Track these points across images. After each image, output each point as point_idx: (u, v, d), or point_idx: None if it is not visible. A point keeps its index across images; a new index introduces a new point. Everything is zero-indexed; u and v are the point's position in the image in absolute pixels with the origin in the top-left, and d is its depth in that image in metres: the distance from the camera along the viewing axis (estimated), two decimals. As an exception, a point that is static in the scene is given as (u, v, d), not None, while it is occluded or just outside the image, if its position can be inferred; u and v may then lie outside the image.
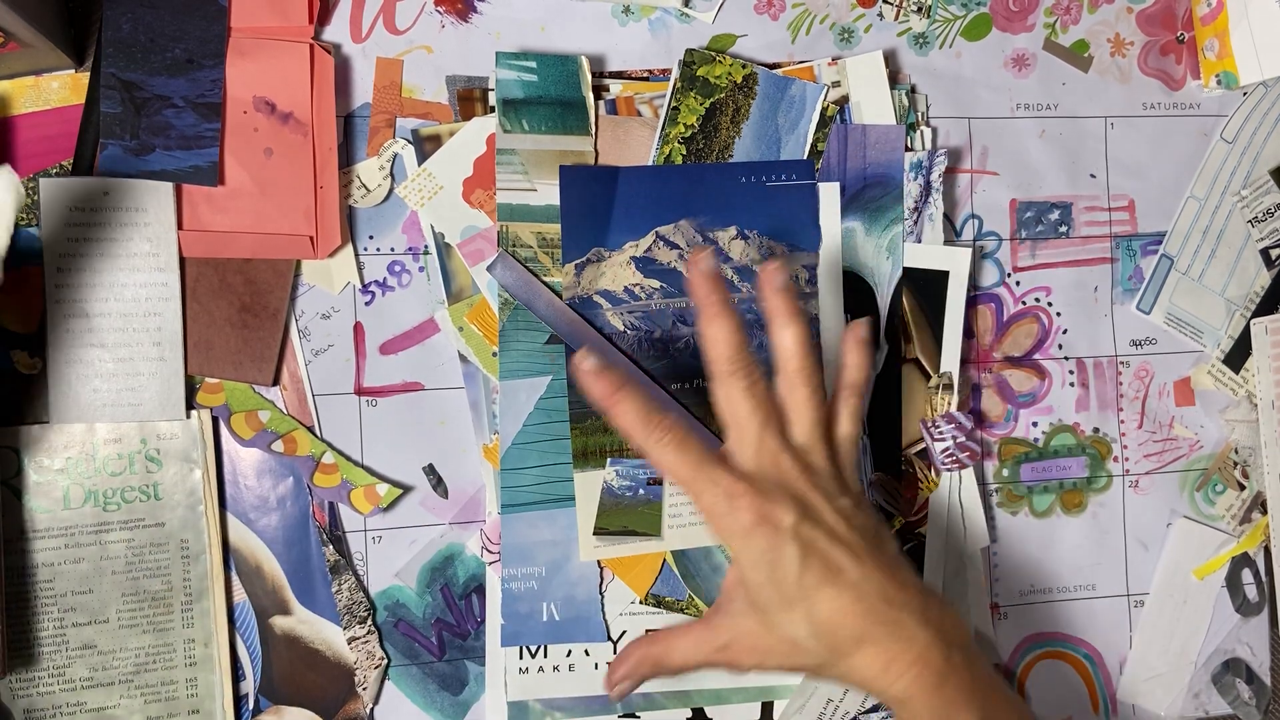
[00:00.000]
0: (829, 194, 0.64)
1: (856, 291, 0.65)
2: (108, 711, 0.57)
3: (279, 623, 0.60)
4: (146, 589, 0.58)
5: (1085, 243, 0.70)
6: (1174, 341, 0.72)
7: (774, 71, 0.64)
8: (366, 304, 0.61)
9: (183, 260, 0.58)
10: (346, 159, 0.61)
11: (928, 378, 0.66)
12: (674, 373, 0.63)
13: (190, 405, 0.58)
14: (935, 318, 0.66)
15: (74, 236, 0.56)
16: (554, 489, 0.62)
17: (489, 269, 0.61)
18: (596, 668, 0.63)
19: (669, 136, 0.62)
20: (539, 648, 0.63)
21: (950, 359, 0.66)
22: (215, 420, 0.59)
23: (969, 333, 0.68)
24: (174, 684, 0.58)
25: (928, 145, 0.67)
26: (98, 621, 0.57)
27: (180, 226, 0.57)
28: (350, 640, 0.61)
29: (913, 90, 0.67)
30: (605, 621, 0.63)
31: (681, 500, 0.63)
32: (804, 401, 0.51)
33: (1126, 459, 0.71)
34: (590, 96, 0.62)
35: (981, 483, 0.69)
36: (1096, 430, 0.71)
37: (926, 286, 0.66)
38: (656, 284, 0.63)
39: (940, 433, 0.66)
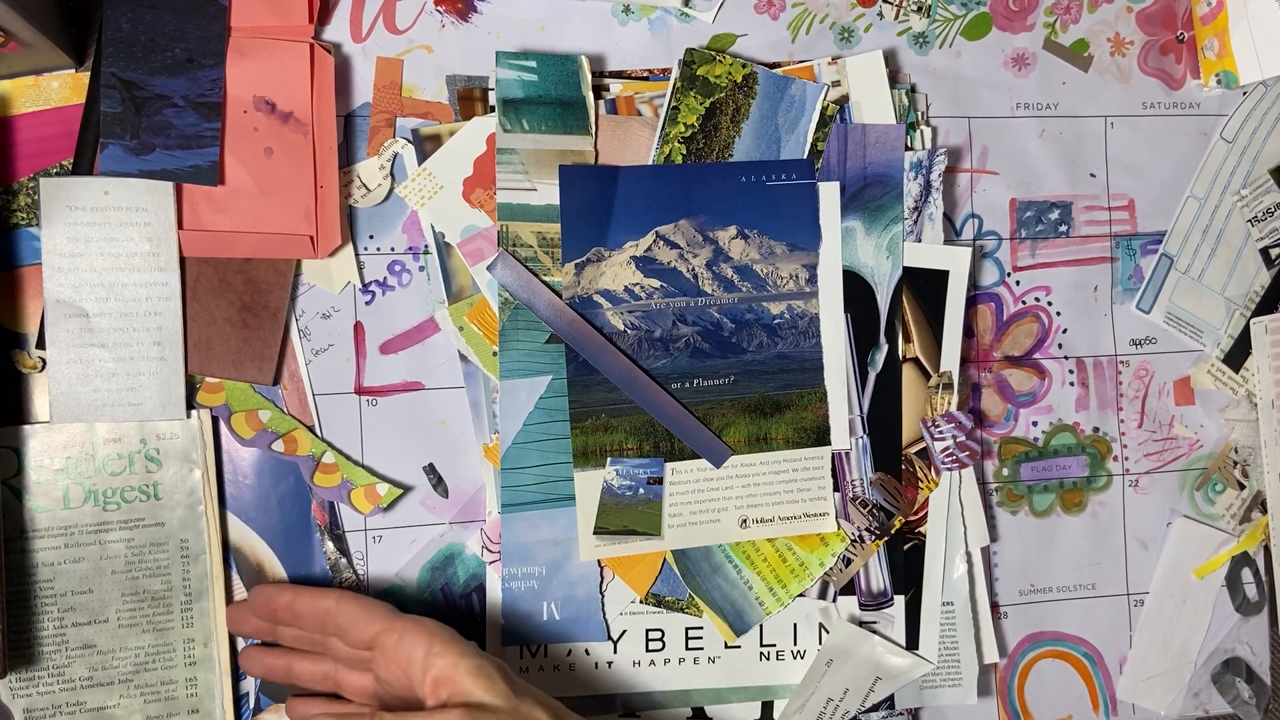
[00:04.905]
0: (829, 193, 0.64)
1: (856, 291, 0.65)
2: (108, 711, 0.57)
3: (279, 622, 0.60)
4: (146, 589, 0.58)
5: (1085, 242, 0.70)
6: (1174, 341, 0.72)
7: (774, 71, 0.64)
8: (367, 304, 0.61)
9: (183, 260, 0.58)
10: (346, 159, 0.61)
11: (928, 377, 0.66)
12: (674, 373, 0.63)
13: (190, 405, 0.58)
14: (935, 317, 0.66)
15: (74, 236, 0.56)
16: (554, 488, 0.62)
17: (489, 268, 0.61)
18: (596, 667, 0.63)
19: (669, 136, 0.62)
20: (539, 647, 0.63)
21: (950, 358, 0.66)
22: (215, 420, 0.59)
23: (969, 332, 0.68)
24: (174, 684, 0.58)
25: (927, 145, 0.67)
26: (98, 621, 0.57)
27: (180, 226, 0.57)
28: (350, 640, 0.61)
29: (913, 90, 0.67)
30: (605, 621, 0.63)
31: (681, 500, 0.63)
32: None
33: (1126, 458, 0.71)
34: (590, 96, 0.62)
35: (981, 482, 0.69)
36: (1096, 430, 0.71)
37: (926, 286, 0.66)
38: (656, 283, 0.63)
39: (940, 432, 0.66)
